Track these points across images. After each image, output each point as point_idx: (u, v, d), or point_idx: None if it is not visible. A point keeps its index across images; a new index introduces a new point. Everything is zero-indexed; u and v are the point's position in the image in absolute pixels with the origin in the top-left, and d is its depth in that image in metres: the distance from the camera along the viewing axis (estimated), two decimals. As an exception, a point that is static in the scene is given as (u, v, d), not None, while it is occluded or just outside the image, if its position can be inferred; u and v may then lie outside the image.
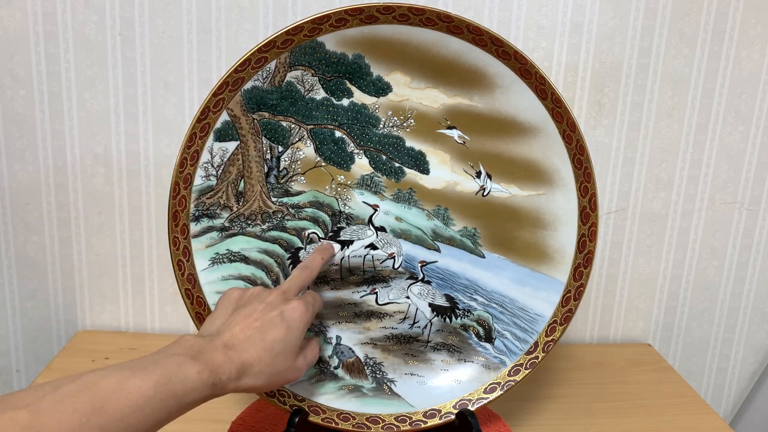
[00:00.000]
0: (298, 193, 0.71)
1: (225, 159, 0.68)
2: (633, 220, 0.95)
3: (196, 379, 0.48)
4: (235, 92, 0.66)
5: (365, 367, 0.73)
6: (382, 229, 0.72)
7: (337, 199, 0.71)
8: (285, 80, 0.67)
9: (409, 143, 0.70)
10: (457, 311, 0.73)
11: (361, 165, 0.71)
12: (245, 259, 0.70)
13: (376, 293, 0.73)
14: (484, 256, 0.73)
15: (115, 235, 0.91)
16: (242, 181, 0.69)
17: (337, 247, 0.67)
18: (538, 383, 0.86)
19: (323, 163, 0.70)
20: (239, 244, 0.70)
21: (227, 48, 0.85)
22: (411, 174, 0.71)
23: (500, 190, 0.71)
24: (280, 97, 0.68)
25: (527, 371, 0.71)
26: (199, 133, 0.66)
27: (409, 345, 0.73)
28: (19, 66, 0.85)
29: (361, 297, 0.73)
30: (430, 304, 0.73)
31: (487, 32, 0.65)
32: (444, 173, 0.71)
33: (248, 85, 0.66)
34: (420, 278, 0.73)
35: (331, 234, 0.71)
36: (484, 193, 0.71)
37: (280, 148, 0.70)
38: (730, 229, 0.97)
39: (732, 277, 0.99)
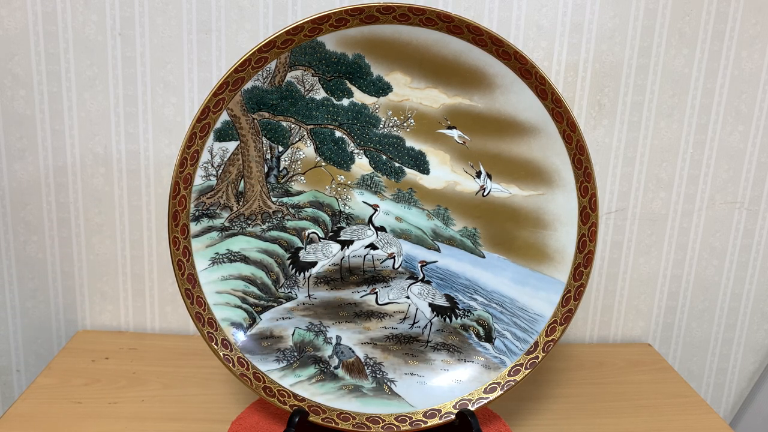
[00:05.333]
0: (298, 193, 0.71)
1: (225, 159, 0.68)
2: (633, 220, 0.95)
3: None
4: (235, 92, 0.66)
5: (365, 367, 0.73)
6: (382, 229, 0.72)
7: (337, 199, 0.71)
8: (285, 80, 0.67)
9: (409, 143, 0.70)
10: (457, 311, 0.73)
11: (361, 165, 0.71)
12: (245, 259, 0.70)
13: (376, 293, 0.73)
14: (484, 256, 0.73)
15: (115, 235, 0.91)
16: (242, 181, 0.69)
17: None
18: (538, 383, 0.85)
19: (323, 163, 0.70)
20: (239, 243, 0.70)
21: (227, 48, 0.85)
22: (411, 174, 0.71)
23: (500, 190, 0.71)
24: (280, 97, 0.68)
25: (527, 371, 0.71)
26: (199, 133, 0.66)
27: (409, 345, 0.73)
28: (19, 66, 0.85)
29: (361, 297, 0.73)
30: (430, 304, 0.73)
31: (487, 32, 0.65)
32: (444, 173, 0.71)
33: (248, 85, 0.66)
34: (420, 278, 0.73)
35: (331, 234, 0.72)
36: (484, 193, 0.71)
37: (280, 148, 0.70)
38: (730, 229, 0.97)
39: (732, 277, 0.99)
